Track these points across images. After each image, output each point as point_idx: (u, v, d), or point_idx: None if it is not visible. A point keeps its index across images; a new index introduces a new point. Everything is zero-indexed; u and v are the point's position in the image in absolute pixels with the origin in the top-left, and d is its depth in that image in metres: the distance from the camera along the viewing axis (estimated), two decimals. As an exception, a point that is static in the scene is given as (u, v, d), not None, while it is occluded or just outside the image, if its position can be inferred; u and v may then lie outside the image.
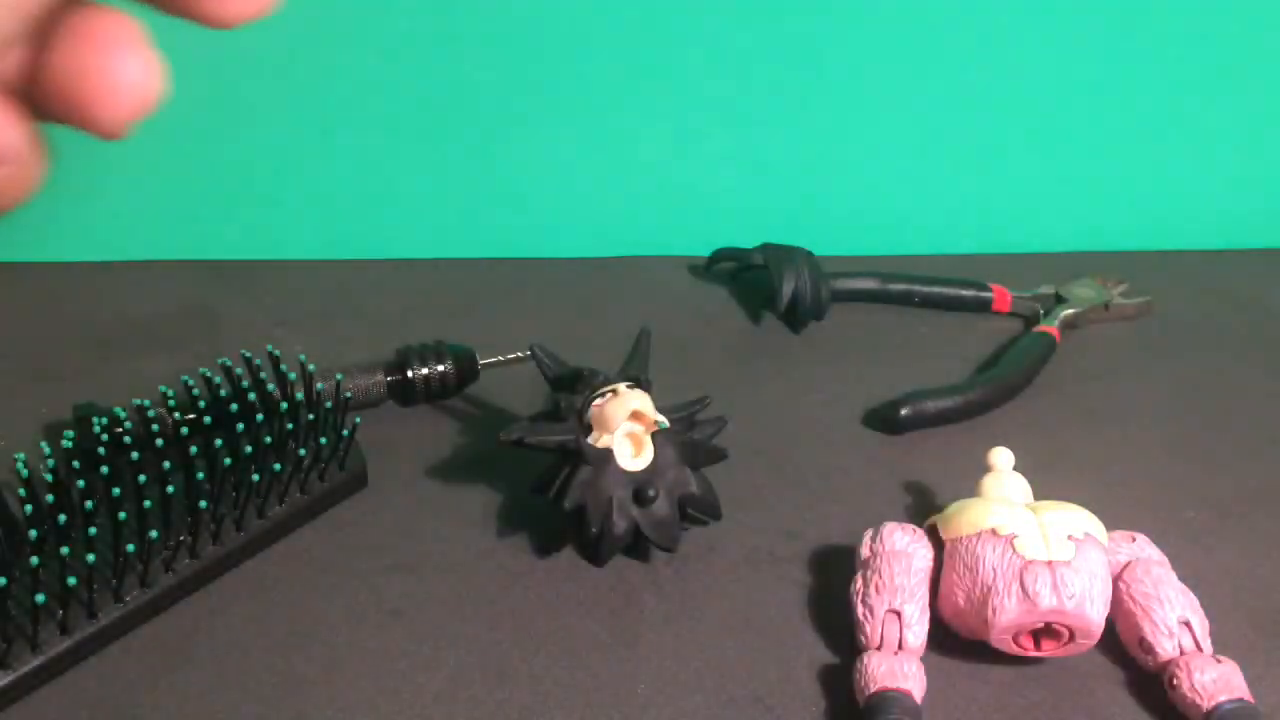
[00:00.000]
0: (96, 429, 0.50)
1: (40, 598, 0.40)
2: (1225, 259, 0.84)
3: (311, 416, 0.52)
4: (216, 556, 0.48)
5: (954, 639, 0.46)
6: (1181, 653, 0.43)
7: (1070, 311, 0.71)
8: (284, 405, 0.51)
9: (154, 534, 0.44)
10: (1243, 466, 0.59)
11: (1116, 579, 0.45)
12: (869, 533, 0.48)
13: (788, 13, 0.75)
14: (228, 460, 0.47)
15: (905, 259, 0.81)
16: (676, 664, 0.45)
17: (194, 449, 0.47)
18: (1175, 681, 0.42)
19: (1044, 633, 0.43)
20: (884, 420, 0.60)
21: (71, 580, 0.41)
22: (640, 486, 0.48)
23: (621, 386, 0.50)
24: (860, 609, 0.45)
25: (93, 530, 0.43)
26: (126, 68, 0.21)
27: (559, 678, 0.44)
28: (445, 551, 0.50)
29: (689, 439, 0.50)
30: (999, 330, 0.72)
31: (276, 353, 0.53)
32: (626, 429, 0.49)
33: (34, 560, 0.40)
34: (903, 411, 0.60)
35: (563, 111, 0.77)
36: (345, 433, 0.52)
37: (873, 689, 0.41)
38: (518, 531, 0.52)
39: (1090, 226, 0.85)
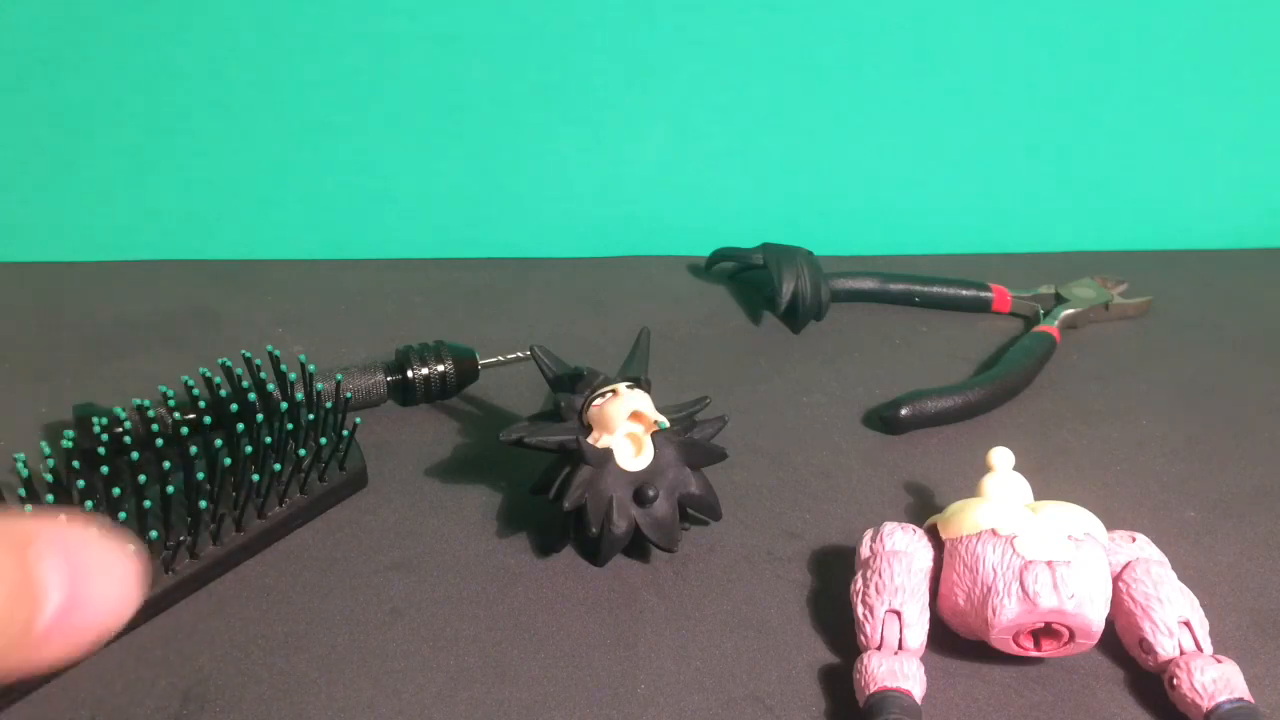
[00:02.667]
0: (96, 429, 0.50)
1: (40, 598, 0.40)
2: (1225, 259, 0.84)
3: (311, 417, 0.52)
4: (216, 556, 0.48)
5: (954, 639, 0.46)
6: (1181, 653, 0.43)
7: (1070, 311, 0.71)
8: (284, 405, 0.51)
9: (154, 534, 0.44)
10: (1243, 466, 0.59)
11: (1116, 579, 0.45)
12: (869, 533, 0.48)
13: (788, 13, 0.75)
14: (228, 460, 0.47)
15: (905, 259, 0.81)
16: (676, 664, 0.45)
17: (194, 449, 0.47)
18: (1175, 681, 0.42)
19: (1044, 633, 0.43)
20: (884, 420, 0.60)
21: (71, 580, 0.41)
22: (640, 486, 0.48)
23: (621, 386, 0.50)
24: (860, 609, 0.45)
25: (93, 530, 0.43)
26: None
27: (559, 678, 0.44)
28: (445, 551, 0.51)
29: (689, 439, 0.50)
30: (999, 330, 0.72)
31: (276, 353, 0.53)
32: (626, 429, 0.49)
33: (34, 560, 0.40)
34: (903, 411, 0.60)
35: (562, 111, 0.77)
36: (345, 433, 0.52)
37: (873, 689, 0.41)
38: (518, 531, 0.52)
39: (1090, 226, 0.85)
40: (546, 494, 0.49)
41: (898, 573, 0.45)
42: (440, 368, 0.60)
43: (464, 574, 0.49)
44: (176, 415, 0.52)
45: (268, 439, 0.50)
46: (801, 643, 0.46)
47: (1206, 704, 0.41)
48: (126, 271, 0.75)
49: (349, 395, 0.54)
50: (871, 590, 0.45)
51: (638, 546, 0.50)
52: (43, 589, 0.22)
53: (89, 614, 0.24)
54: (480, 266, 0.78)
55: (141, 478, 0.45)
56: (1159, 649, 0.43)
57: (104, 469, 0.46)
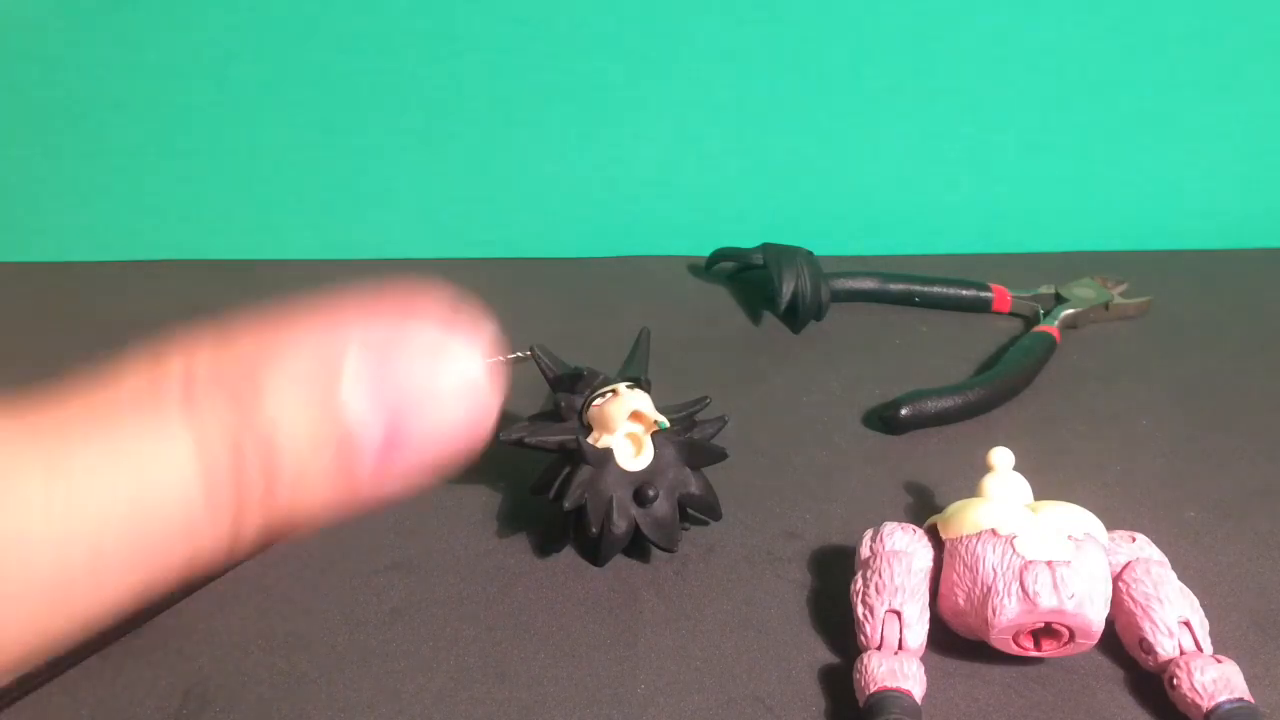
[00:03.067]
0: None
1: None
2: (1225, 259, 0.84)
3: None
4: (216, 556, 0.48)
5: (954, 639, 0.46)
6: (1181, 653, 0.43)
7: (1070, 311, 0.71)
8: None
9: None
10: (1243, 466, 0.59)
11: (1116, 579, 0.45)
12: (869, 533, 0.48)
13: (788, 13, 0.75)
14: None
15: (905, 259, 0.81)
16: (676, 664, 0.45)
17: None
18: (1175, 681, 0.42)
19: (1044, 633, 0.43)
20: (884, 420, 0.60)
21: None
22: (640, 486, 0.48)
23: (621, 386, 0.50)
24: (860, 609, 0.45)
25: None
26: None
27: (559, 678, 0.44)
28: (445, 551, 0.51)
29: (689, 439, 0.50)
30: (999, 330, 0.72)
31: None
32: (626, 429, 0.49)
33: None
34: (903, 411, 0.60)
35: (562, 111, 0.77)
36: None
37: (873, 689, 0.41)
38: (518, 531, 0.52)
39: (1090, 226, 0.85)
40: (546, 494, 0.49)
41: (898, 573, 0.45)
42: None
43: (464, 574, 0.49)
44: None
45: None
46: (801, 643, 0.46)
47: (1206, 704, 0.41)
48: (126, 271, 0.75)
49: None
50: (871, 590, 0.45)
51: (638, 546, 0.50)
52: (356, 423, 0.16)
53: (423, 444, 0.17)
54: (480, 266, 0.78)
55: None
56: (1159, 649, 0.43)
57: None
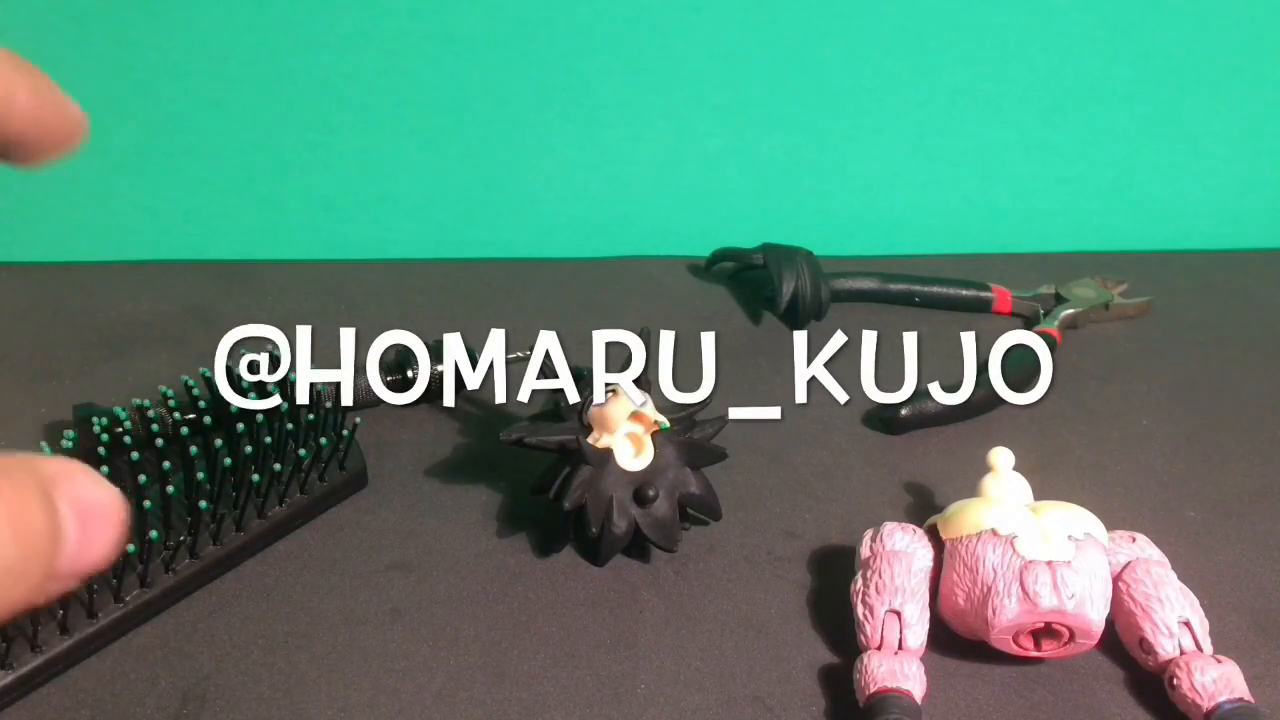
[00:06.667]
0: (96, 429, 0.50)
1: (40, 598, 0.40)
2: (1225, 259, 0.84)
3: (312, 417, 0.52)
4: (216, 556, 0.48)
5: (954, 639, 0.46)
6: (1182, 653, 0.43)
7: (1070, 311, 0.71)
8: (284, 406, 0.51)
9: (154, 535, 0.44)
10: (1243, 466, 0.59)
11: (1116, 579, 0.45)
12: (869, 533, 0.48)
13: (788, 13, 0.75)
14: (228, 461, 0.47)
15: (905, 259, 0.81)
16: (676, 664, 0.45)
17: (194, 450, 0.47)
18: (1175, 681, 0.42)
19: (1044, 633, 0.43)
20: (884, 420, 0.60)
21: (71, 580, 0.41)
22: (640, 486, 0.48)
23: (621, 386, 0.50)
24: (860, 609, 0.45)
25: (93, 530, 0.43)
26: None
27: (559, 678, 0.44)
28: (445, 551, 0.51)
29: (689, 439, 0.50)
30: (999, 330, 0.72)
31: (278, 353, 0.53)
32: (627, 429, 0.49)
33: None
34: (903, 411, 0.60)
35: (563, 111, 0.77)
36: (345, 433, 0.52)
37: (873, 689, 0.41)
38: (518, 531, 0.52)
39: (1090, 226, 0.85)
40: (546, 494, 0.49)
41: (898, 573, 0.45)
42: (440, 368, 0.60)
43: (464, 574, 0.49)
44: (176, 415, 0.52)
45: (268, 439, 0.50)
46: (801, 643, 0.46)
47: (1207, 704, 0.41)
48: (126, 271, 0.75)
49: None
50: (872, 590, 0.45)
51: (638, 546, 0.50)
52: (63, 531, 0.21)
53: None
54: (480, 266, 0.78)
55: (142, 478, 0.45)
56: (1159, 649, 0.43)
57: (104, 469, 0.46)
